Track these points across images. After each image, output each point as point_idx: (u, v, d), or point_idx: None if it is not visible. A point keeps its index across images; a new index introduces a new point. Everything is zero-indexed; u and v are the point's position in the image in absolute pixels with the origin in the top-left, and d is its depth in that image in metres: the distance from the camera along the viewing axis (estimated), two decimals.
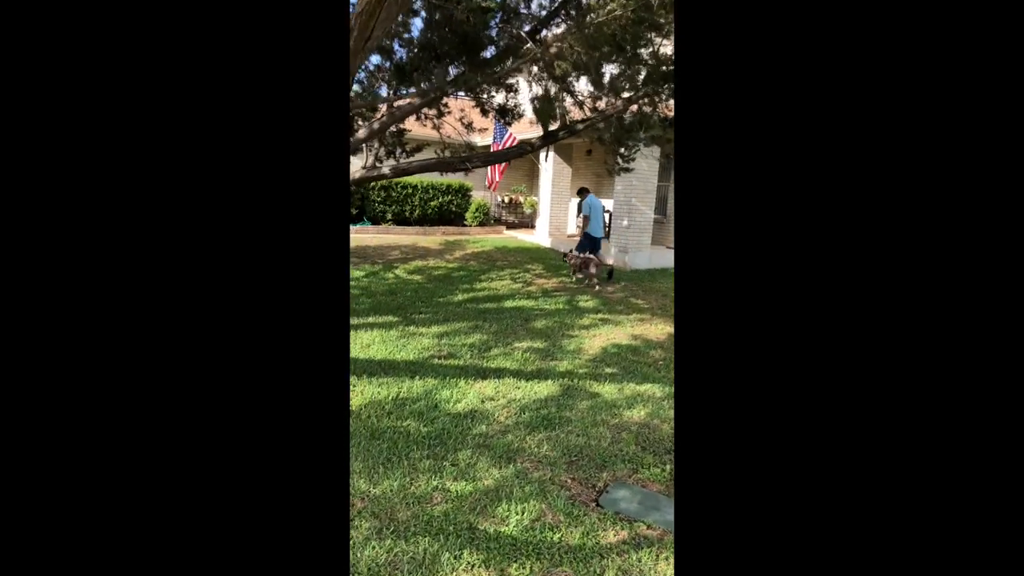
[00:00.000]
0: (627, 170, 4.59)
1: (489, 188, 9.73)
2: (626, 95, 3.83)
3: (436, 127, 5.68)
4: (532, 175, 12.96)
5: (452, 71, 4.27)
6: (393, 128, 6.22)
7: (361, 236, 10.14)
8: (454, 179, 11.89)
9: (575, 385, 3.30)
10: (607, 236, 9.00)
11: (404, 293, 5.72)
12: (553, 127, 4.10)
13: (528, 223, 12.71)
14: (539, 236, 10.99)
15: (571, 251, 7.15)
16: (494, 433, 2.60)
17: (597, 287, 6.63)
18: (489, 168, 9.62)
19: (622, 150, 4.36)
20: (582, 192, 7.54)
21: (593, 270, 6.67)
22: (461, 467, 2.27)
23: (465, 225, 12.02)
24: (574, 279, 6.95)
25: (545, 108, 3.06)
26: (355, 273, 6.75)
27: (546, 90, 3.30)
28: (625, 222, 8.41)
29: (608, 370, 3.64)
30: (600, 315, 5.26)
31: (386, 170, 3.96)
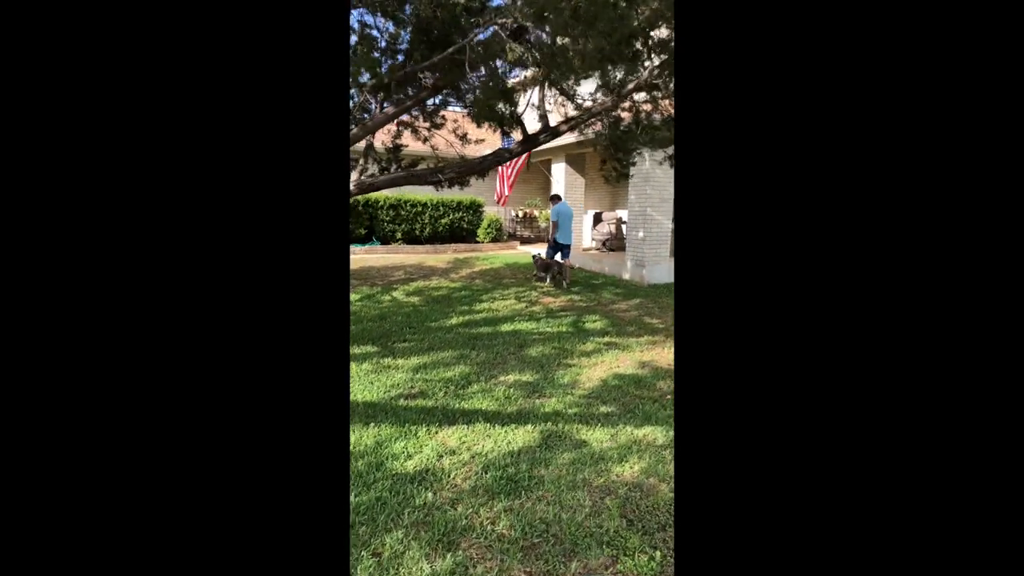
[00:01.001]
0: (625, 176, 4.08)
1: (498, 203, 9.32)
2: (621, 89, 3.34)
3: (425, 139, 5.31)
4: (547, 187, 12.52)
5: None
6: (387, 143, 5.88)
7: (367, 256, 9.86)
8: (465, 195, 11.56)
9: (559, 431, 2.77)
10: (621, 248, 8.85)
11: (394, 318, 5.31)
12: (533, 130, 3.63)
13: (544, 237, 12.24)
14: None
15: (538, 255, 7.72)
16: (442, 503, 2.10)
17: (565, 284, 7.28)
18: (497, 182, 9.22)
19: (620, 155, 3.85)
20: (554, 199, 7.78)
21: (555, 271, 7.34)
22: (383, 560, 1.77)
23: (477, 242, 11.64)
24: (541, 281, 7.48)
25: (484, 103, 2.57)
26: (350, 297, 6.40)
27: (489, 81, 2.79)
28: (640, 234, 7.83)
29: (603, 409, 3.10)
30: (607, 338, 4.72)
31: (350, 187, 3.57)
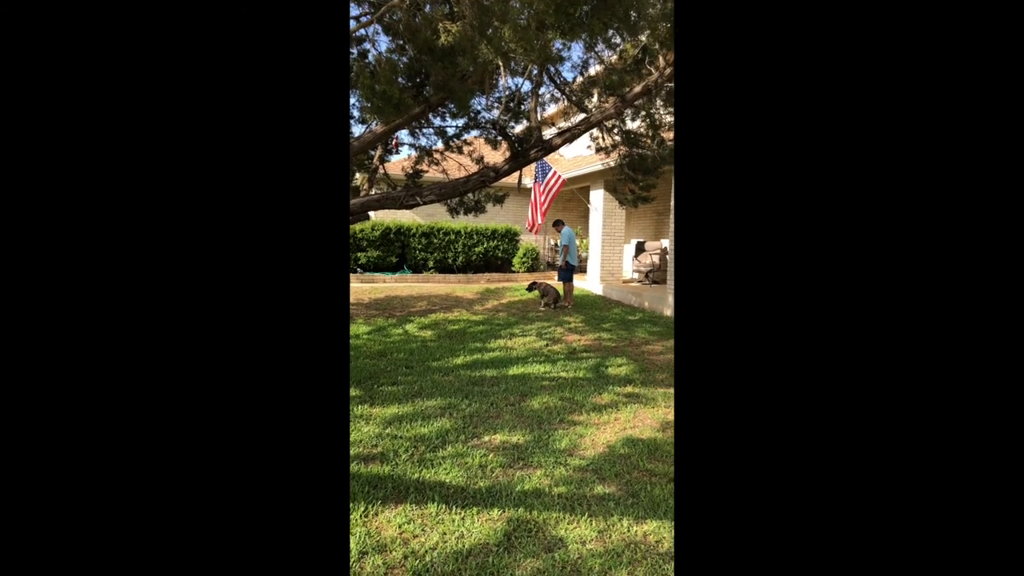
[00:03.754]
0: (644, 200, 3.48)
1: (531, 231, 8.84)
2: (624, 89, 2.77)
3: (435, 162, 4.95)
4: (587, 215, 11.95)
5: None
6: (407, 169, 5.57)
7: (396, 285, 9.60)
8: (500, 223, 11.20)
9: (533, 521, 2.15)
10: (656, 278, 9.36)
11: (396, 355, 4.86)
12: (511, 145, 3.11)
13: (584, 268, 11.61)
14: (590, 282, 9.83)
15: (535, 282, 7.82)
16: None
17: (558, 304, 7.56)
18: (529, 210, 8.78)
19: (638, 175, 3.27)
20: (558, 224, 7.87)
21: (550, 295, 7.52)
22: None
23: (512, 271, 11.18)
24: (544, 307, 7.59)
25: (372, 87, 1.99)
26: (359, 330, 6.04)
27: (384, 60, 2.24)
28: None
29: (599, 489, 2.45)
30: (629, 388, 4.03)
31: None
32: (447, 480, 2.49)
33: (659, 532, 2.10)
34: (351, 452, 2.78)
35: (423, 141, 5.50)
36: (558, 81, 3.52)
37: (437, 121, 4.27)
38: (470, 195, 5.41)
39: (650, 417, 3.43)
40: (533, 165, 8.51)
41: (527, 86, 4.32)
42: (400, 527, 2.09)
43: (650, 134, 2.99)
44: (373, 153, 4.99)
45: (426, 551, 1.93)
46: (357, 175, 5.29)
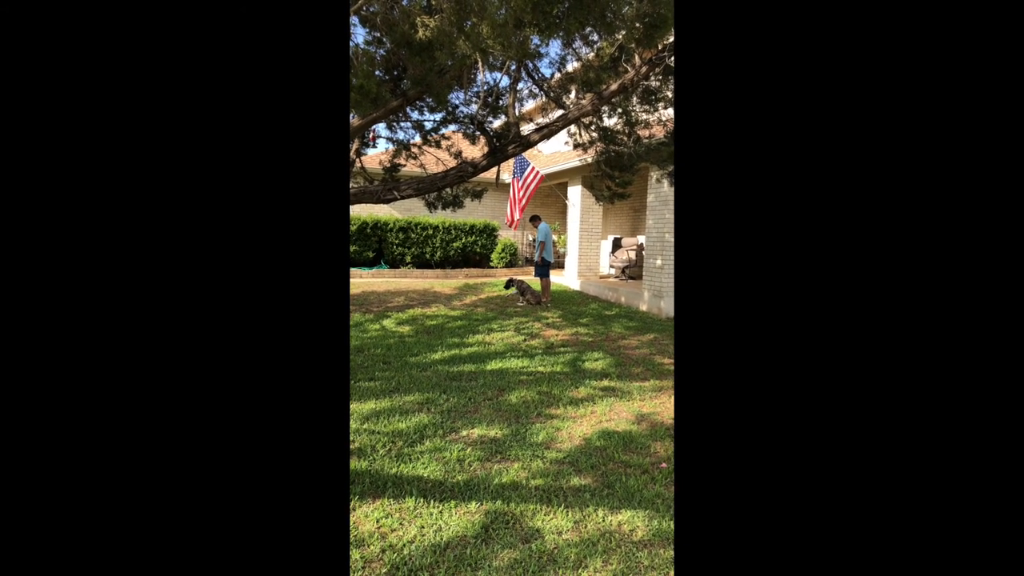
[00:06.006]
0: (621, 197, 3.53)
1: (510, 227, 8.85)
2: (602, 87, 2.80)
3: (414, 156, 4.92)
4: (565, 211, 12.01)
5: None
6: (384, 163, 5.51)
7: (372, 281, 9.51)
8: (478, 218, 11.19)
9: (509, 513, 2.18)
10: (630, 274, 9.43)
11: (373, 351, 4.83)
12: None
13: (562, 264, 11.69)
14: (567, 278, 9.90)
15: (512, 279, 7.82)
16: None
17: (541, 303, 7.45)
18: (508, 206, 8.79)
19: (615, 172, 3.31)
20: (535, 219, 7.84)
21: (528, 295, 7.49)
22: None
23: (491, 267, 11.18)
24: (522, 303, 7.57)
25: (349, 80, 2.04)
26: None
27: (361, 53, 2.26)
28: (658, 262, 7.18)
29: (575, 481, 2.49)
30: (605, 382, 4.09)
31: None
32: (425, 474, 2.49)
33: (633, 522, 2.15)
34: None
35: (401, 135, 5.45)
36: (536, 77, 3.55)
37: (415, 115, 4.25)
38: (448, 190, 5.39)
39: (625, 410, 3.49)
40: (511, 160, 8.51)
41: (505, 81, 4.34)
42: (378, 521, 2.09)
43: (627, 131, 3.04)
44: (350, 146, 4.93)
45: (404, 544, 1.94)
46: None
